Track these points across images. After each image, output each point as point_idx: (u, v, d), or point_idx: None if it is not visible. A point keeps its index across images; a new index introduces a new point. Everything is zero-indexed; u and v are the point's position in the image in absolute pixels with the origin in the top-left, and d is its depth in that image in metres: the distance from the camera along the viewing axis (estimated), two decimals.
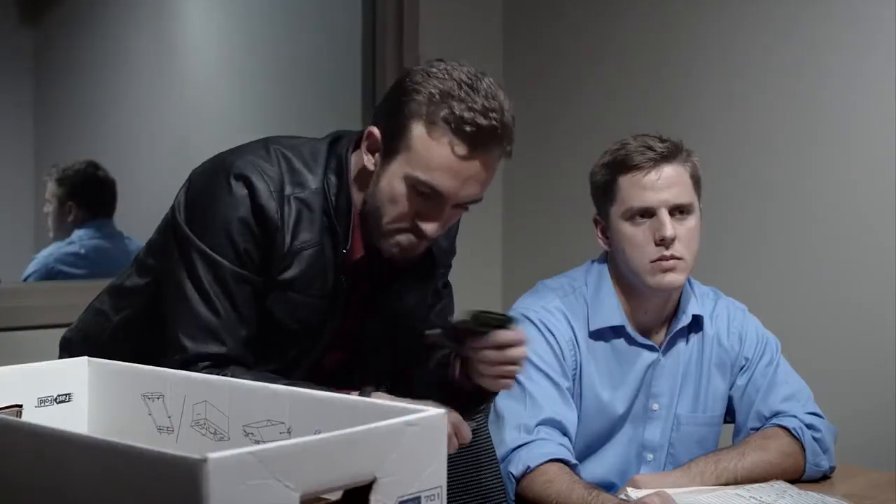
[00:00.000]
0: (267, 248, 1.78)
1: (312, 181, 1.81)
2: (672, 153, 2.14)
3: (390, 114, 1.77)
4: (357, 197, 1.82)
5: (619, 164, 2.15)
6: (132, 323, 1.95)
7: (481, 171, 1.73)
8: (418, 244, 1.79)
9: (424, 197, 1.74)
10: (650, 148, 2.14)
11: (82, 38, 5.82)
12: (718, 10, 3.39)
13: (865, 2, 3.07)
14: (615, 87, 3.65)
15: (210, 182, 1.80)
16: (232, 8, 5.00)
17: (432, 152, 1.71)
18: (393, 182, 1.75)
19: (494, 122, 1.71)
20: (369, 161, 1.79)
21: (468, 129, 1.69)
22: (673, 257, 2.12)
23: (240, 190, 1.76)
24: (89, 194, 4.07)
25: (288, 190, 1.79)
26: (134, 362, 1.59)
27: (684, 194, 2.14)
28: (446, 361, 1.87)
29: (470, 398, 1.86)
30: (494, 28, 3.95)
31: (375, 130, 1.78)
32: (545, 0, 3.87)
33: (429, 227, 1.75)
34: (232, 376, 1.70)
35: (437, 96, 1.71)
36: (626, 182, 2.14)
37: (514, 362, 1.78)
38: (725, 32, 3.37)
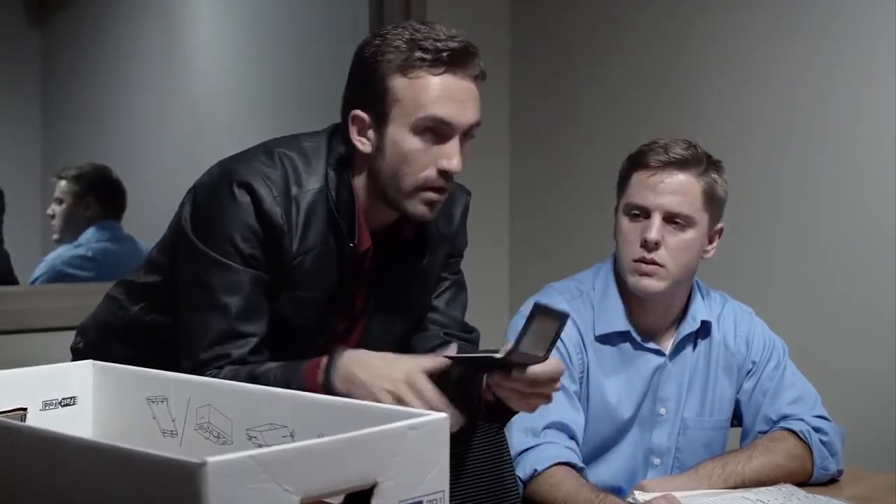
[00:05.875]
0: (274, 253, 1.78)
1: (316, 180, 1.82)
2: (687, 162, 2.14)
3: (365, 87, 1.79)
4: (359, 185, 1.83)
5: (636, 160, 2.18)
6: (153, 321, 1.96)
7: (470, 91, 1.78)
8: (443, 192, 1.81)
9: (434, 136, 1.76)
10: (667, 151, 2.14)
11: (89, 41, 5.83)
12: (726, 12, 3.38)
13: (870, 4, 3.06)
14: (623, 88, 3.64)
15: (214, 192, 1.80)
16: (240, 10, 5.00)
17: (422, 91, 1.75)
18: (398, 142, 1.77)
19: (463, 42, 1.77)
20: (365, 144, 1.81)
21: (445, 55, 1.75)
22: (653, 262, 2.12)
23: (243, 198, 1.76)
24: (106, 192, 4.08)
25: (294, 191, 1.79)
26: (153, 359, 1.60)
27: (684, 205, 2.13)
28: (467, 377, 1.80)
29: (492, 413, 1.81)
30: (502, 30, 3.94)
31: (360, 112, 1.80)
32: (553, 2, 3.87)
33: (452, 162, 1.77)
34: (254, 367, 1.73)
35: (404, 46, 1.76)
36: (635, 178, 2.17)
37: (545, 395, 1.72)
38: (733, 36, 3.36)
